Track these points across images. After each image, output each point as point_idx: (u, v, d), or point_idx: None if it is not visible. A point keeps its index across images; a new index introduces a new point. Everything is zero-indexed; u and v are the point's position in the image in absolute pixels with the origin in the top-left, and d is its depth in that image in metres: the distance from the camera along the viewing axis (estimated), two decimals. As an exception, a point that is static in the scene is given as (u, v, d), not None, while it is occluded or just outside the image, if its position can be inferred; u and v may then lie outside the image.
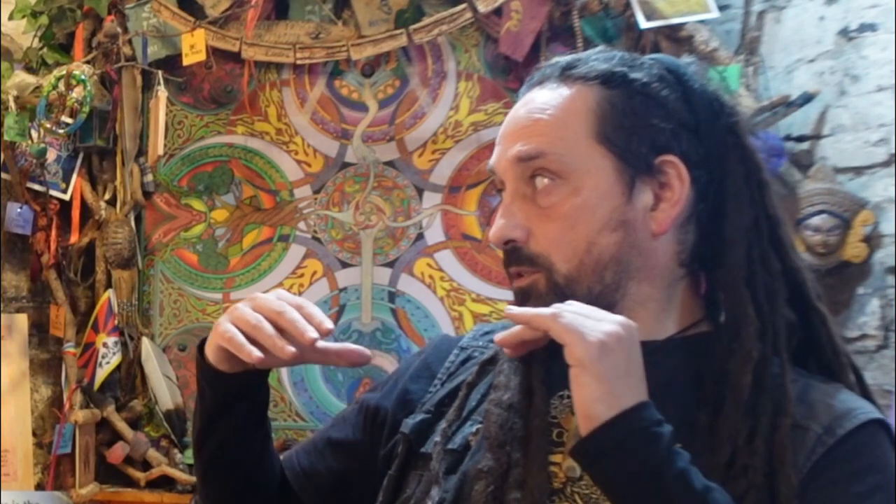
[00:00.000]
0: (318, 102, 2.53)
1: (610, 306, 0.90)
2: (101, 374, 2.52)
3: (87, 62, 2.54)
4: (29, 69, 2.59)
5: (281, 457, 1.12)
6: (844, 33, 2.06)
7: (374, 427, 1.07)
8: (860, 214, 1.98)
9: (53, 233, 2.57)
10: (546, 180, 0.92)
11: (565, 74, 0.96)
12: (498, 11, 2.30)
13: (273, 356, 0.90)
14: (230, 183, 2.58)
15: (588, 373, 0.79)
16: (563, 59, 0.98)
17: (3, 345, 2.49)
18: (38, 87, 2.50)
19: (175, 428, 2.53)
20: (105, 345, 2.52)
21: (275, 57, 2.45)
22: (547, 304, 0.86)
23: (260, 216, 2.56)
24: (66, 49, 2.61)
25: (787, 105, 2.08)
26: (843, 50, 2.06)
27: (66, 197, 2.59)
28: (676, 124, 0.93)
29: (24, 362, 2.54)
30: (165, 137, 2.49)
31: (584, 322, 0.81)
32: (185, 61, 2.44)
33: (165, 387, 2.53)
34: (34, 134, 2.51)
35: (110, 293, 2.56)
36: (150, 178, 2.59)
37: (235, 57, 2.48)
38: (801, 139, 2.09)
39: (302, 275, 2.53)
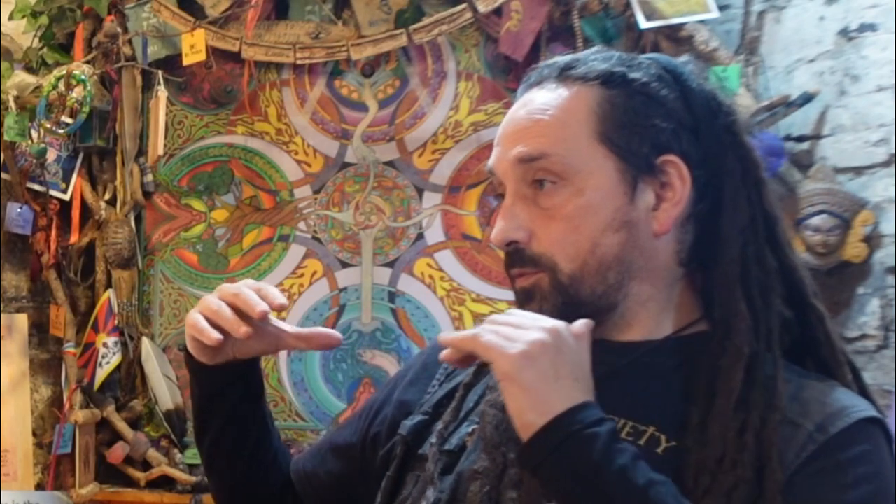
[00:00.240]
0: (318, 102, 2.53)
1: (612, 306, 0.92)
2: (101, 374, 2.52)
3: (87, 62, 2.54)
4: (29, 69, 2.59)
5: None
6: (844, 33, 2.06)
7: (374, 429, 1.08)
8: (860, 214, 1.97)
9: (53, 233, 2.57)
10: (548, 181, 0.92)
11: (564, 75, 0.96)
12: (498, 11, 2.30)
13: (235, 339, 0.96)
14: (230, 183, 2.58)
15: (515, 384, 0.81)
16: (561, 59, 0.98)
17: (3, 345, 2.49)
18: (38, 87, 2.50)
19: (175, 428, 2.53)
20: (105, 345, 2.52)
21: (275, 57, 2.45)
22: (551, 304, 0.89)
23: (260, 216, 2.56)
24: (66, 49, 2.61)
25: (787, 105, 2.07)
26: (843, 50, 2.05)
27: (66, 197, 2.59)
28: (676, 124, 0.93)
29: (24, 362, 2.54)
30: (165, 137, 2.49)
31: (507, 335, 0.82)
32: (185, 61, 2.44)
33: (165, 387, 2.53)
34: (34, 134, 2.51)
35: (110, 293, 2.56)
36: (150, 178, 2.59)
37: (235, 57, 2.47)
38: (801, 139, 2.09)
39: (302, 275, 2.53)
